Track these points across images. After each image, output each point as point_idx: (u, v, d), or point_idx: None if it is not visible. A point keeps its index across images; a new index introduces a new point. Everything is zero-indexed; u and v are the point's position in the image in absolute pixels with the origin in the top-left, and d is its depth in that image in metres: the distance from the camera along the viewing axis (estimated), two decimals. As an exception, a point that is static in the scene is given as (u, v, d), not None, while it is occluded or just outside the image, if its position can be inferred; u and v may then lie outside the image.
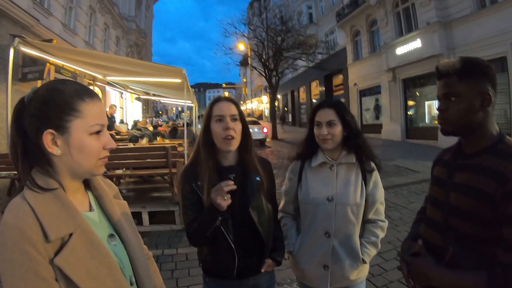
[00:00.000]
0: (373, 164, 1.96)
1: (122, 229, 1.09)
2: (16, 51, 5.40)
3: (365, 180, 1.93)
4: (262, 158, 1.82)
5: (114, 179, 6.94)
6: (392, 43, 17.14)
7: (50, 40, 9.70)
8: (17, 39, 5.30)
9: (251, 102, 55.42)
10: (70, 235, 0.88)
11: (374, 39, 20.62)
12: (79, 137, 0.94)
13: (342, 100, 23.92)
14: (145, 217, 5.40)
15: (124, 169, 6.44)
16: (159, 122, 23.81)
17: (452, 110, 1.27)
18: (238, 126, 1.64)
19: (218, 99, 1.70)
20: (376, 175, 1.96)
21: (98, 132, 0.98)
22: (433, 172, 1.50)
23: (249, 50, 27.08)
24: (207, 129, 1.64)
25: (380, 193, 1.97)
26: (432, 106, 15.47)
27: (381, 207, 1.98)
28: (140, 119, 15.43)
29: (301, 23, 27.03)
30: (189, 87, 7.48)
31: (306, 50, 23.15)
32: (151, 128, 12.06)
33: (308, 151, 2.01)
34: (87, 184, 1.09)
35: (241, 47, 26.05)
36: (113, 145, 1.03)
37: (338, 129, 1.86)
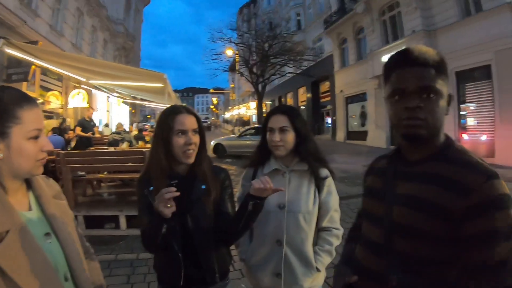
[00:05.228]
0: (327, 171, 1.94)
1: (58, 228, 1.14)
2: (1, 52, 5.39)
3: (319, 188, 1.90)
4: (217, 167, 1.78)
5: (95, 182, 6.94)
6: (378, 50, 17.34)
7: (35, 42, 9.63)
8: (2, 40, 5.28)
9: (239, 108, 55.28)
10: (7, 232, 0.95)
11: (361, 46, 20.94)
12: (18, 142, 1.02)
13: (329, 107, 24.16)
14: (123, 221, 5.38)
15: (99, 173, 6.38)
16: (146, 126, 23.54)
17: (432, 109, 1.03)
18: (197, 139, 1.63)
19: (177, 111, 1.62)
20: (330, 182, 1.94)
21: (36, 137, 1.06)
22: (366, 183, 1.32)
23: (236, 55, 27.16)
24: (166, 141, 1.58)
25: (334, 201, 1.95)
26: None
27: (335, 215, 1.96)
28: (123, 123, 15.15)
29: (289, 30, 27.22)
30: (170, 92, 7.50)
31: (293, 56, 23.34)
32: (135, 132, 11.97)
33: (261, 157, 1.99)
34: (29, 184, 1.15)
35: (229, 52, 26.07)
36: (50, 147, 1.11)
37: (290, 136, 1.86)
